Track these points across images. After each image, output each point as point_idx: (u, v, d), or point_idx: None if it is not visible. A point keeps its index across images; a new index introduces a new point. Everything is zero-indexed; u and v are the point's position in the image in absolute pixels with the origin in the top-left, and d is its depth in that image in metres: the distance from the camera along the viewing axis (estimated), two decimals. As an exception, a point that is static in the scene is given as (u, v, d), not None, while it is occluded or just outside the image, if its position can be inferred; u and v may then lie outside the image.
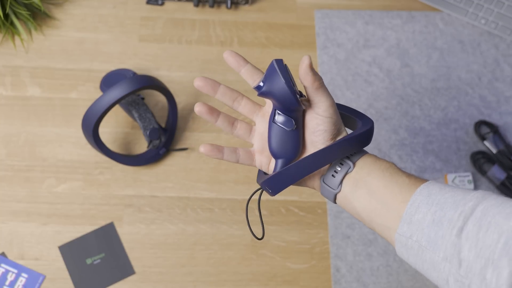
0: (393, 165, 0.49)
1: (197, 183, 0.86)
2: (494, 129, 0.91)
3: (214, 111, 0.52)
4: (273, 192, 0.51)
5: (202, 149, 0.52)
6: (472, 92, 0.96)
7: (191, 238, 0.84)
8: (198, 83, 0.50)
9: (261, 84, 0.48)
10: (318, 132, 0.50)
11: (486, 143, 0.90)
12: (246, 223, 0.85)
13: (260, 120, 0.53)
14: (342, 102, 0.93)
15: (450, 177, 0.88)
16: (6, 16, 0.89)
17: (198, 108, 0.51)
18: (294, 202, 0.86)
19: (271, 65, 0.48)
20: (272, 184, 0.50)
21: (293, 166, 0.49)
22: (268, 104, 0.53)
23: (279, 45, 0.97)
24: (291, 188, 0.87)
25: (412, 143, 0.91)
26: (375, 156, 0.51)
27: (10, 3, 0.87)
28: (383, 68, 0.96)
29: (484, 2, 0.97)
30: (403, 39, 0.98)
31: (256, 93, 0.61)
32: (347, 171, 0.49)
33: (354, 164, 0.50)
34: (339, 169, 0.50)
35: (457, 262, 0.40)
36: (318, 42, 0.97)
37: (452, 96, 0.95)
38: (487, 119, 0.93)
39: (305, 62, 0.46)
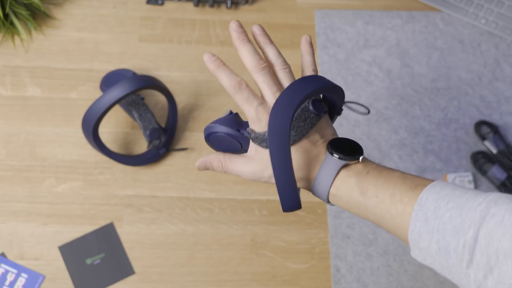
0: (375, 183, 0.47)
1: (197, 183, 0.86)
2: (494, 129, 0.91)
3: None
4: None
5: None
6: (472, 92, 0.95)
7: (191, 238, 0.84)
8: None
9: None
10: None
11: (486, 143, 0.90)
12: (246, 223, 0.85)
13: None
14: (342, 102, 0.93)
15: (450, 177, 0.88)
16: (6, 16, 0.89)
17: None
18: (294, 202, 0.86)
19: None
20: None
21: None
22: None
23: (279, 45, 0.96)
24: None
25: (412, 143, 0.91)
26: (356, 172, 0.49)
27: (10, 3, 0.87)
28: (383, 68, 0.96)
29: (484, 2, 0.97)
30: (403, 39, 0.98)
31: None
32: (327, 201, 0.51)
33: (328, 195, 0.50)
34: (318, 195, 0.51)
35: None
36: (318, 42, 0.97)
37: (452, 96, 0.95)
38: (487, 119, 0.93)
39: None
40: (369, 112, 0.54)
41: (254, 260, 0.83)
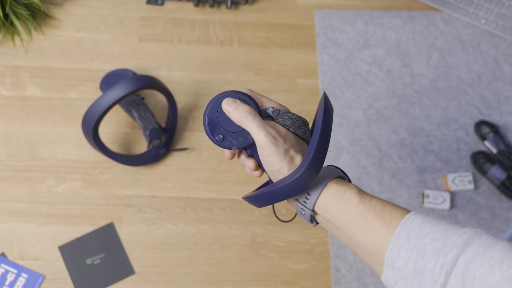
0: (359, 201, 0.47)
1: (197, 183, 0.86)
2: (494, 129, 0.91)
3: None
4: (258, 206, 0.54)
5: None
6: (472, 92, 0.95)
7: (191, 238, 0.84)
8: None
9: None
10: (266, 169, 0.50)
11: (486, 143, 0.90)
12: (246, 223, 0.85)
13: None
14: (342, 102, 0.93)
15: (450, 177, 0.88)
16: (6, 16, 0.89)
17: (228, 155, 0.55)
18: (294, 202, 0.86)
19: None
20: (250, 201, 0.54)
21: (256, 196, 0.51)
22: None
23: (279, 45, 0.97)
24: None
25: (412, 143, 0.91)
26: (337, 187, 0.48)
27: (10, 3, 0.87)
28: (383, 68, 0.96)
29: (484, 2, 0.97)
30: (403, 39, 0.98)
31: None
32: (310, 215, 0.49)
33: (313, 210, 0.49)
34: (302, 213, 0.50)
35: None
36: (318, 42, 0.97)
37: (452, 96, 0.95)
38: (487, 119, 0.93)
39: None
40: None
41: (254, 260, 0.83)
